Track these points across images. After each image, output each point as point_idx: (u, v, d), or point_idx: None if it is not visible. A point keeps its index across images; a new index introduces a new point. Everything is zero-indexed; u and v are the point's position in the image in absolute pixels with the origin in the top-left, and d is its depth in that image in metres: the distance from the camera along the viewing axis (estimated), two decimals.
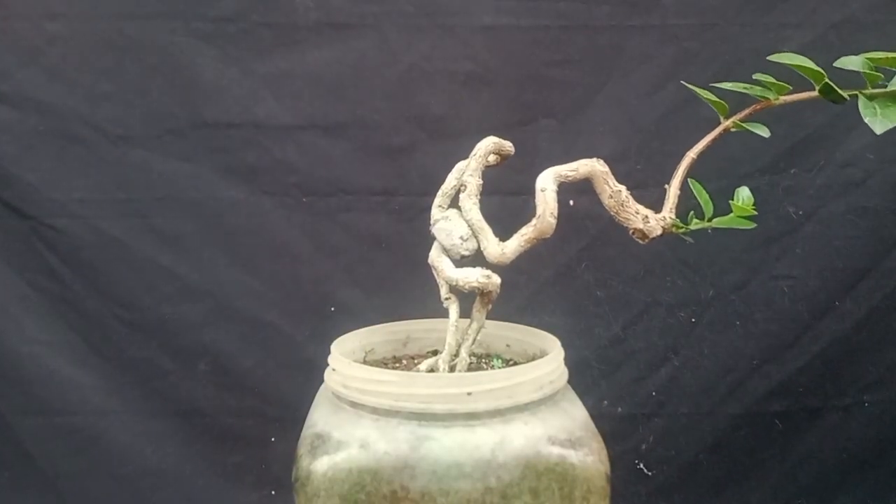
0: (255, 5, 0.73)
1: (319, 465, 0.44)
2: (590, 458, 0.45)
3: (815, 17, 0.73)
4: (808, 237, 0.77)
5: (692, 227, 0.48)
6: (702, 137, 0.48)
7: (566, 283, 0.77)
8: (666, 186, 0.48)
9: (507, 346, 0.55)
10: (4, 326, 0.76)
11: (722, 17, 0.73)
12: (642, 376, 0.79)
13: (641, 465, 0.79)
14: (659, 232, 0.47)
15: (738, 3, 0.73)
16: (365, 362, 0.54)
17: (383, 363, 0.54)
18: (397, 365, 0.54)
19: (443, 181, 0.50)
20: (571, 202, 0.73)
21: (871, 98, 0.42)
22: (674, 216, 0.48)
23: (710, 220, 0.47)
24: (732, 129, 0.47)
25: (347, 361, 0.47)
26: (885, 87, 0.42)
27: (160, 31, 0.73)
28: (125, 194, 0.75)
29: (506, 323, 0.55)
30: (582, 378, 0.77)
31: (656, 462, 0.79)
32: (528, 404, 0.44)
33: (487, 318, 0.50)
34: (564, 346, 0.50)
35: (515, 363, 0.53)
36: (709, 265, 0.77)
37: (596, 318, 0.77)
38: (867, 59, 0.42)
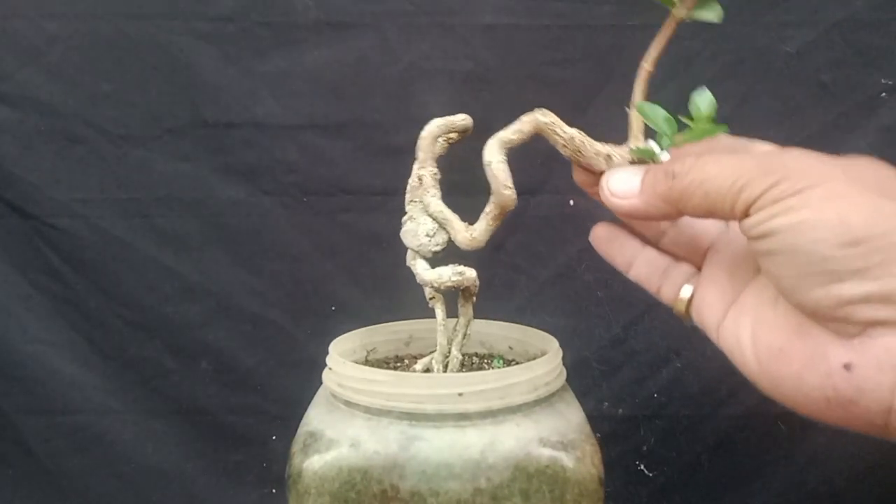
0: (254, 4, 0.73)
1: (311, 464, 0.44)
2: (582, 461, 0.44)
3: (817, 15, 0.72)
4: None
5: (663, 146, 0.42)
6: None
7: (566, 283, 0.77)
8: (626, 108, 0.43)
9: (510, 347, 0.55)
10: (7, 326, 0.77)
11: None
12: (643, 377, 0.78)
13: (642, 467, 0.79)
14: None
15: (740, 2, 0.72)
16: (367, 362, 0.54)
17: (385, 362, 0.54)
18: (398, 364, 0.54)
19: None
20: (571, 202, 0.73)
21: None
22: (641, 143, 0.42)
23: (674, 138, 0.41)
24: (686, 20, 0.43)
25: (342, 360, 0.47)
26: None
27: (160, 31, 0.73)
28: (126, 194, 0.75)
29: (509, 324, 0.55)
30: (582, 379, 0.76)
31: (657, 463, 0.79)
32: (520, 406, 0.44)
33: (490, 319, 0.49)
34: (564, 346, 0.49)
35: (517, 364, 0.52)
36: None
37: (597, 319, 0.77)
38: None
